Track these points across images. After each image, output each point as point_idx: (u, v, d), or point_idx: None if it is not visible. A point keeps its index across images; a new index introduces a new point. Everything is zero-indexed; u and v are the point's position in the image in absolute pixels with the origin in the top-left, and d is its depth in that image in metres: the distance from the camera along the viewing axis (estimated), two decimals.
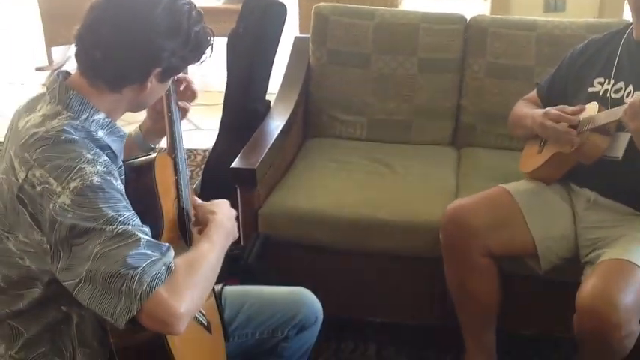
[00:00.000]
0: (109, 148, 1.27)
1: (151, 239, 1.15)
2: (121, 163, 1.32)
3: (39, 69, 4.81)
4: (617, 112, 1.66)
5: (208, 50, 1.33)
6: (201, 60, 1.33)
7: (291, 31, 3.28)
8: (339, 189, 2.19)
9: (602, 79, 1.86)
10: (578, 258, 1.85)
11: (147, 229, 1.17)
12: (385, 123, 2.56)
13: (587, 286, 1.60)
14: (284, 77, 2.61)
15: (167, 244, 1.19)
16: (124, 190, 1.21)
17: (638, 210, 1.77)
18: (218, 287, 1.57)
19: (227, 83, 2.44)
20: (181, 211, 1.39)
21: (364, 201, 2.12)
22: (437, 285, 1.98)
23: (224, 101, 2.45)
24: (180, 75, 1.45)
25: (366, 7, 2.62)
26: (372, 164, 2.37)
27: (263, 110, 2.44)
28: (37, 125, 1.20)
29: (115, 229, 1.12)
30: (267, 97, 2.60)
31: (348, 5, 2.63)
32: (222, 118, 2.48)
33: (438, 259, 1.93)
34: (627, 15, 3.85)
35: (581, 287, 1.63)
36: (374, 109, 2.56)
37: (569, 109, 1.81)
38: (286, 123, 2.37)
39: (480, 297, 1.87)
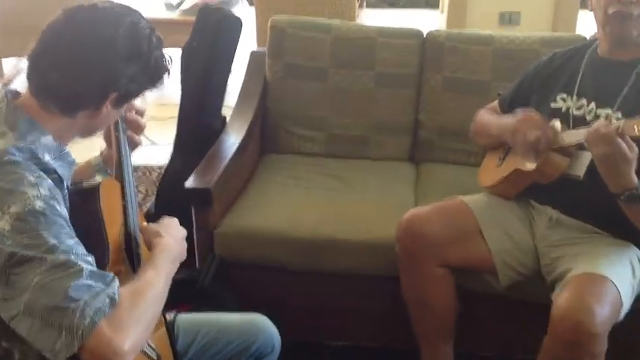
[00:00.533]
0: (55, 172, 1.20)
1: (95, 269, 1.09)
2: (67, 190, 1.25)
3: None
4: (579, 135, 1.65)
5: (165, 76, 1.28)
6: (157, 86, 1.28)
7: (249, 45, 3.24)
8: (297, 207, 2.15)
9: (564, 95, 1.85)
10: (540, 275, 1.83)
11: (91, 259, 1.11)
12: (343, 138, 2.53)
13: (563, 298, 1.58)
14: (240, 92, 2.56)
15: (111, 273, 1.12)
16: (67, 217, 1.15)
17: (601, 228, 1.76)
18: (171, 316, 1.51)
19: (181, 97, 2.38)
20: (128, 237, 1.33)
21: (321, 219, 2.07)
22: (398, 304, 1.95)
23: (178, 116, 2.39)
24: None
25: (323, 20, 2.59)
26: (330, 180, 2.33)
27: (218, 125, 2.38)
28: None
29: (56, 258, 1.05)
30: (224, 112, 2.54)
31: (305, 18, 2.60)
32: (177, 133, 2.41)
33: (397, 277, 1.90)
34: (580, 29, 3.94)
35: (557, 301, 1.59)
36: (331, 124, 2.52)
37: (539, 119, 1.79)
38: (243, 139, 2.31)
39: (437, 308, 1.85)
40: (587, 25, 2.94)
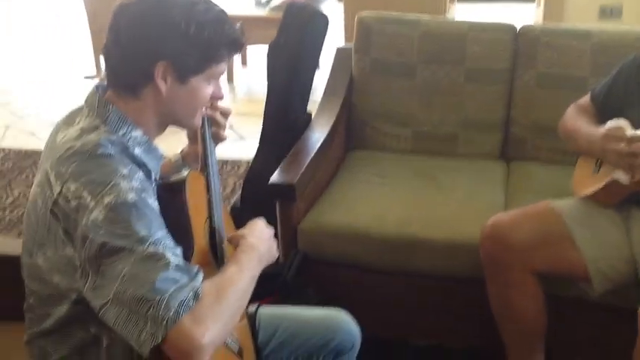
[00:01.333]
0: (145, 165, 1.23)
1: (181, 262, 1.11)
2: (154, 183, 1.28)
3: (87, 78, 4.87)
4: None
5: (233, 48, 1.28)
6: (225, 58, 1.28)
7: (337, 42, 3.23)
8: (382, 205, 2.12)
9: None
10: (636, 282, 1.73)
11: (178, 251, 1.14)
12: (430, 135, 2.48)
13: None
14: (326, 88, 2.56)
15: (197, 266, 1.14)
16: (158, 209, 1.17)
17: None
18: (252, 309, 1.52)
19: (267, 93, 2.40)
20: (213, 231, 1.34)
21: (407, 218, 2.04)
22: (484, 307, 1.89)
23: (264, 112, 2.41)
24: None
25: (410, 15, 2.55)
26: (417, 178, 2.29)
27: (304, 122, 2.38)
28: (73, 139, 1.18)
29: (145, 249, 1.08)
30: (310, 108, 2.54)
31: (392, 13, 2.56)
32: (263, 129, 2.43)
33: (483, 279, 1.84)
34: None
35: None
36: (419, 121, 2.48)
37: (633, 134, 1.66)
38: (327, 135, 2.31)
39: (524, 317, 1.78)
40: None
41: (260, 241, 1.30)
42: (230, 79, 4.73)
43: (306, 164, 2.10)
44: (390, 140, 2.51)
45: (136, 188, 1.12)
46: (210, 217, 1.35)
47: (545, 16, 4.23)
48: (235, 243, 1.29)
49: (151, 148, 1.26)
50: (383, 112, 2.50)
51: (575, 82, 2.29)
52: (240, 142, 3.78)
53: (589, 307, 1.86)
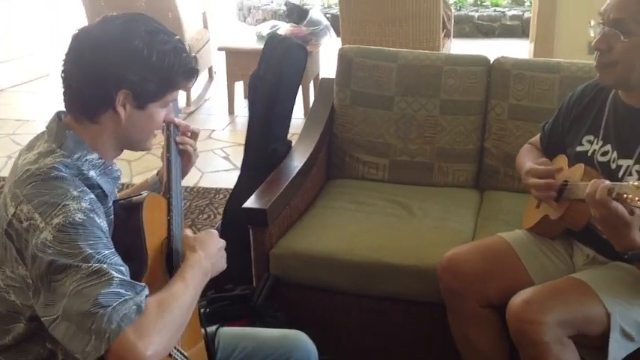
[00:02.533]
0: (100, 187, 1.30)
1: (126, 278, 1.17)
2: (111, 203, 1.35)
3: None
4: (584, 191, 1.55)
5: (188, 76, 1.35)
6: (181, 85, 1.35)
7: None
8: (353, 231, 2.18)
9: (591, 137, 1.77)
10: None
11: (124, 268, 1.19)
12: (407, 164, 2.54)
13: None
14: (308, 118, 2.64)
15: (143, 284, 1.20)
16: (107, 229, 1.24)
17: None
18: (212, 329, 1.57)
19: (248, 123, 2.48)
20: (170, 250, 1.41)
21: (376, 244, 2.10)
22: (446, 331, 1.93)
23: (246, 140, 2.49)
24: (177, 119, 1.48)
25: (389, 49, 2.64)
26: (391, 206, 2.35)
27: (284, 150, 2.46)
28: (31, 162, 1.25)
29: (90, 266, 1.14)
30: (292, 137, 2.62)
31: (372, 47, 2.65)
32: (244, 157, 2.51)
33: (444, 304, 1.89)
34: None
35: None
36: (396, 151, 2.55)
37: (544, 169, 1.75)
38: (305, 163, 2.38)
39: (482, 346, 1.81)
40: None
41: (208, 255, 1.35)
42: (231, 111, 4.82)
43: (280, 191, 2.17)
44: (369, 169, 2.58)
45: (84, 209, 1.19)
46: (169, 237, 1.42)
47: (536, 52, 4.31)
48: (184, 251, 1.35)
49: (106, 170, 1.33)
50: (362, 142, 2.57)
51: (545, 114, 2.34)
52: (236, 171, 3.85)
53: None
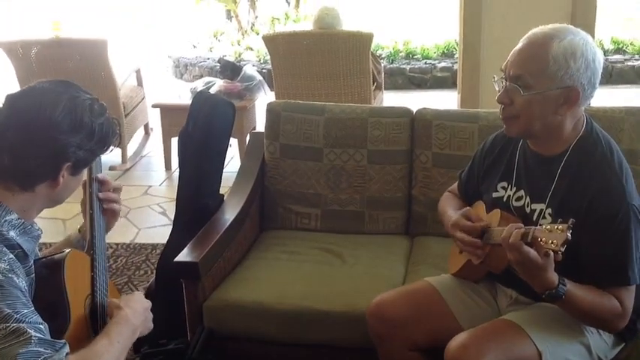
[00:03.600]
0: (20, 247, 1.31)
1: (44, 337, 1.17)
2: (32, 262, 1.35)
3: None
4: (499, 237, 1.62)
5: (115, 140, 1.40)
6: (109, 149, 1.41)
7: None
8: (285, 280, 2.21)
9: (505, 184, 1.84)
10: None
11: (43, 326, 1.20)
12: (339, 214, 2.60)
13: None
14: (239, 171, 2.69)
15: (63, 341, 1.20)
16: (26, 288, 1.24)
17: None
18: None
19: (179, 179, 2.50)
20: (95, 306, 1.41)
21: (307, 292, 2.13)
22: None
23: (177, 197, 2.51)
24: (100, 176, 1.51)
25: (316, 102, 2.73)
26: (323, 254, 2.40)
27: (215, 205, 2.48)
28: None
29: (8, 326, 1.15)
30: (223, 191, 2.65)
31: (299, 102, 2.73)
32: (175, 213, 2.52)
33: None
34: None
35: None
36: (327, 201, 2.61)
37: (470, 225, 1.80)
38: (237, 216, 2.41)
39: None
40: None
41: (135, 314, 1.37)
42: (168, 167, 4.82)
43: (212, 244, 2.19)
44: (302, 219, 2.63)
45: (2, 269, 1.20)
46: (93, 293, 1.42)
47: (464, 103, 4.48)
48: (109, 313, 1.36)
49: (26, 230, 1.34)
50: (293, 194, 2.63)
51: (467, 161, 2.40)
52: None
53: None
